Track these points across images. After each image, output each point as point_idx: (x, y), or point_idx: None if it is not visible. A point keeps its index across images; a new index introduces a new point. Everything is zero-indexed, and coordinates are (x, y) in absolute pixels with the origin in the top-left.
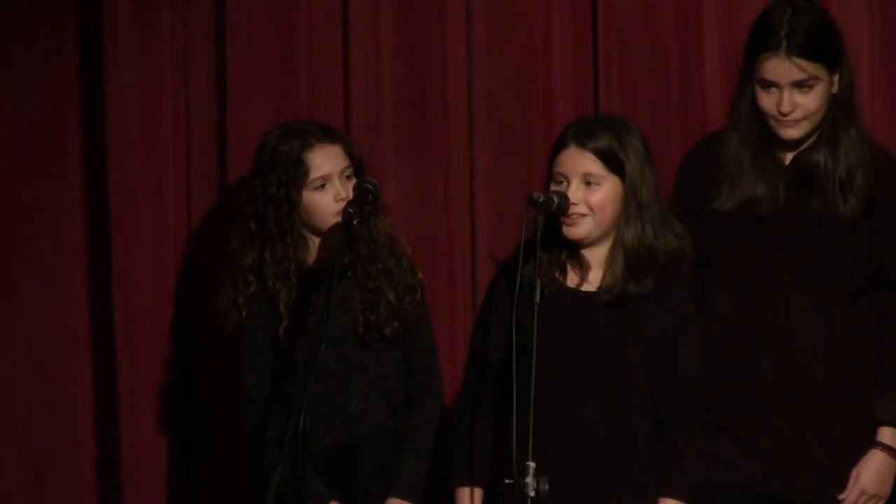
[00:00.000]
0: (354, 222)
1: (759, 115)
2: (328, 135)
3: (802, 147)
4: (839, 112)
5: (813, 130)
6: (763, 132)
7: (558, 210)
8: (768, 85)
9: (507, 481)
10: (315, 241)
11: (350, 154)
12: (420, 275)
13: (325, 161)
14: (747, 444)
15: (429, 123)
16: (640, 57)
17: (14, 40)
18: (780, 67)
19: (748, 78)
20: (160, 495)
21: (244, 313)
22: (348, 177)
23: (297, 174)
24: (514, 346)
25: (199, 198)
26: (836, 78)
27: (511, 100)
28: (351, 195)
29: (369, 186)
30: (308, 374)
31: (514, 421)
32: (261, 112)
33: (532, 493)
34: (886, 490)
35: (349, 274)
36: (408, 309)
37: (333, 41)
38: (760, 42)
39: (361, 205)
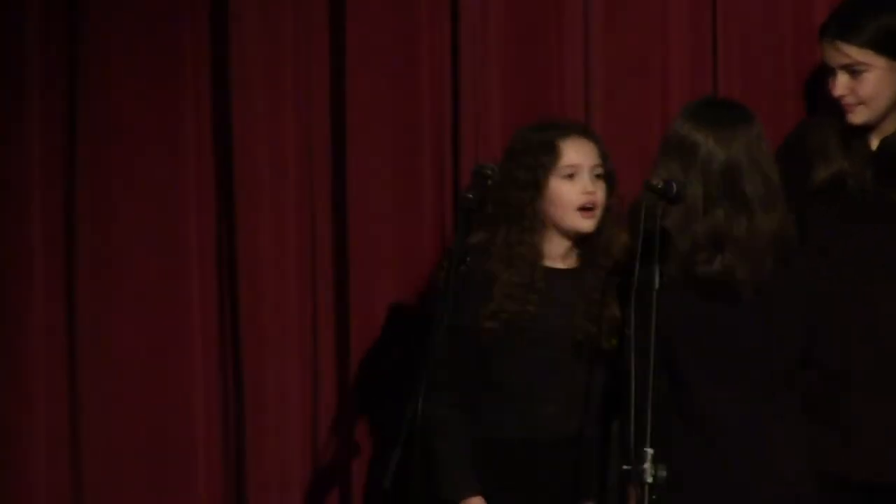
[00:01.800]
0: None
1: None
2: (584, 131)
3: (891, 131)
4: None
5: (882, 116)
6: None
7: (677, 197)
8: (828, 69)
9: (624, 467)
10: (552, 233)
11: (603, 156)
12: None
13: (578, 152)
14: (839, 431)
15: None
16: (758, 42)
17: (138, 30)
18: (829, 52)
19: None
20: (283, 486)
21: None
22: (597, 176)
23: (548, 160)
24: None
25: (320, 183)
26: None
27: (628, 89)
28: (598, 193)
29: (488, 172)
30: (430, 358)
31: (632, 408)
32: (378, 98)
33: (650, 480)
34: None
35: (467, 263)
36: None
37: (443, 30)
38: (822, 26)
39: (480, 191)
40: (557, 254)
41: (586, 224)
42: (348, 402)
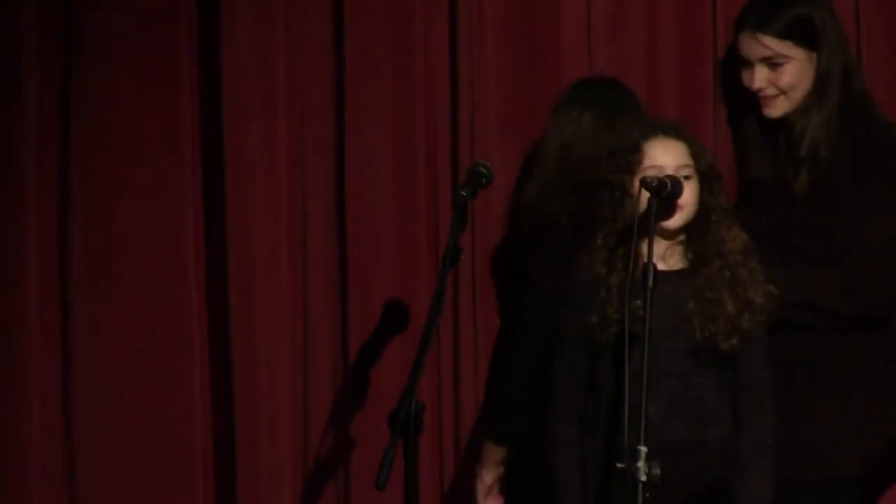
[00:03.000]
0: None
1: None
2: (673, 131)
3: (795, 123)
4: (815, 92)
5: (797, 109)
6: None
7: (671, 195)
8: (744, 62)
9: (618, 465)
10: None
11: (695, 156)
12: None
13: (662, 153)
14: None
15: (537, 110)
16: None
17: (130, 25)
18: (748, 44)
19: None
20: (275, 486)
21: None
22: (686, 177)
23: (632, 160)
24: (627, 331)
25: (314, 183)
26: (816, 56)
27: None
28: (684, 193)
29: (482, 170)
30: (421, 355)
31: (626, 405)
32: (374, 96)
33: (643, 478)
34: None
35: (462, 258)
36: (745, 325)
37: (442, 25)
38: (738, 19)
39: (474, 188)
40: (657, 254)
41: (670, 223)
42: (341, 403)
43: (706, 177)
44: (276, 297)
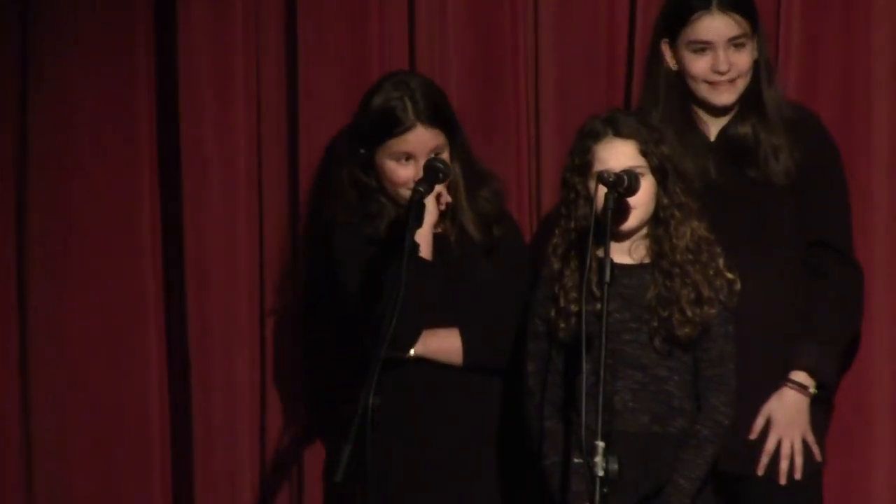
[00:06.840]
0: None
1: (680, 93)
2: (625, 128)
3: (726, 121)
4: (761, 75)
5: (739, 97)
6: (684, 110)
7: (628, 190)
8: (702, 46)
9: (576, 461)
10: None
11: (646, 153)
12: (723, 289)
13: (610, 155)
14: None
15: (497, 111)
16: None
17: (87, 20)
18: (714, 24)
19: (664, 52)
20: (231, 479)
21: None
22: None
23: (584, 162)
24: (584, 325)
25: (270, 177)
26: (757, 39)
27: (578, 86)
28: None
29: (439, 165)
30: (378, 351)
31: (584, 400)
32: (331, 88)
33: (601, 473)
34: (802, 424)
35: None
36: (697, 317)
37: (400, 26)
38: (686, 6)
39: (431, 184)
40: (623, 248)
41: (625, 226)
42: (298, 398)
43: (658, 172)
44: (233, 290)
